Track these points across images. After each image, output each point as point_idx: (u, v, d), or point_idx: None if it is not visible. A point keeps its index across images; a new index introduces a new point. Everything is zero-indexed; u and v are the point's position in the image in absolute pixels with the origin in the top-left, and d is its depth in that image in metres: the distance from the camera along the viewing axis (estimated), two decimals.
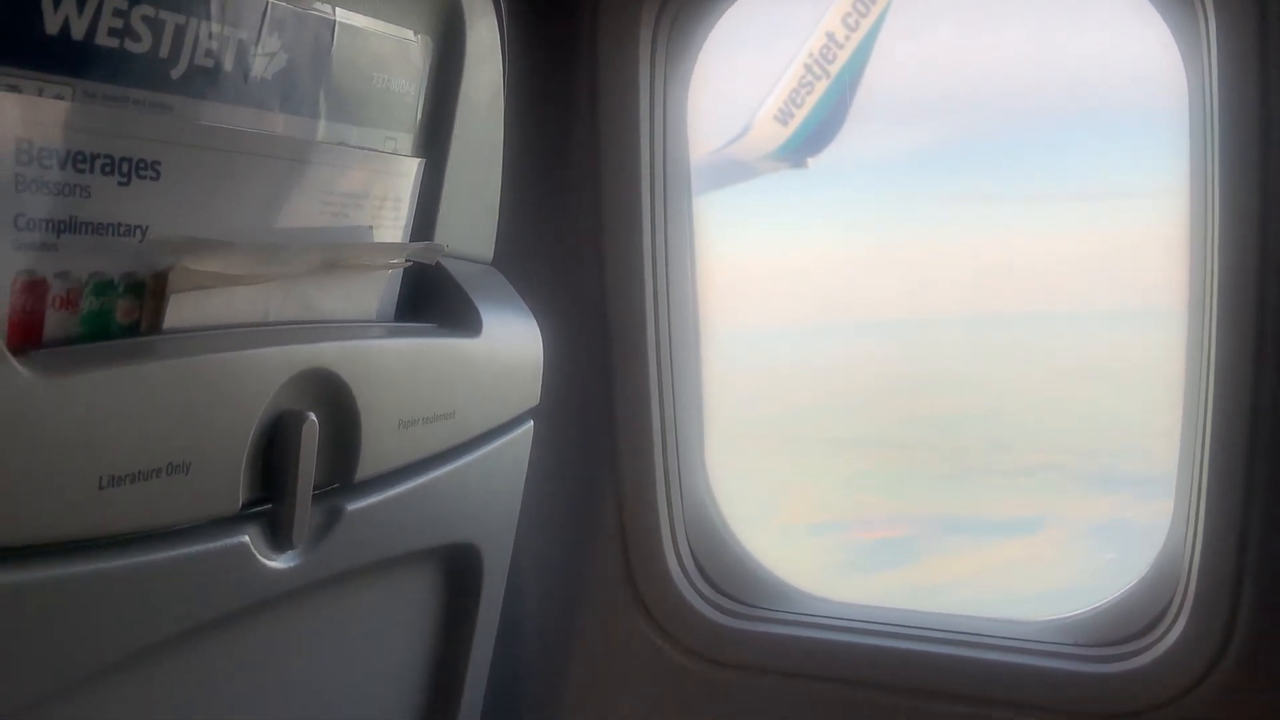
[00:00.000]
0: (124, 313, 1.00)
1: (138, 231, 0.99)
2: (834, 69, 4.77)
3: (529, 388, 1.52)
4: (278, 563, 1.10)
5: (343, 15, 1.20)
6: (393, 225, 1.31)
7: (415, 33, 1.33)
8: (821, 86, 4.95)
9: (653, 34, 1.70)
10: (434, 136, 1.40)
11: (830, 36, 4.65)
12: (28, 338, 0.92)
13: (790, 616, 1.84)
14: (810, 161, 5.25)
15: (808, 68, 4.76)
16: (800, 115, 5.05)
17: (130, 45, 0.98)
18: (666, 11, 1.70)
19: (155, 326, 1.01)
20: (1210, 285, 1.51)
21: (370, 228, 1.27)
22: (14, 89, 0.89)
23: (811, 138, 5.08)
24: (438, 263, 1.39)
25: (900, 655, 1.73)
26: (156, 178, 0.99)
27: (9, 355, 0.83)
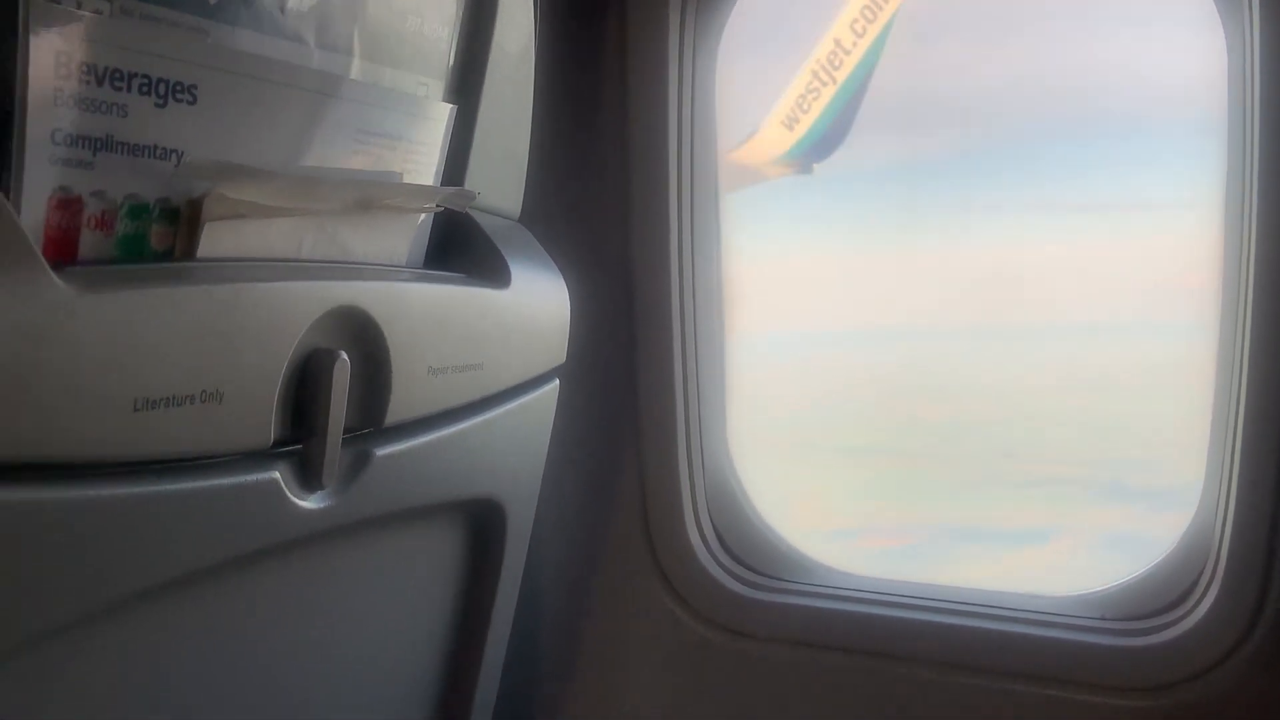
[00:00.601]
0: (159, 239, 0.98)
1: (174, 155, 0.97)
2: (840, 75, 4.77)
3: (556, 345, 1.50)
4: (307, 502, 1.08)
5: None
6: (424, 171, 1.29)
7: None
8: (828, 93, 4.94)
9: (682, 3, 1.68)
10: (465, 85, 1.38)
11: (837, 43, 4.64)
12: (63, 254, 0.90)
13: (811, 588, 1.82)
14: (816, 167, 5.24)
15: (814, 74, 4.75)
16: (806, 121, 5.04)
17: None
18: None
19: (189, 254, 0.99)
20: (1247, 267, 1.50)
21: (400, 173, 1.25)
22: (54, 1, 0.87)
23: (818, 143, 5.06)
24: (467, 214, 1.37)
25: (922, 627, 1.70)
26: (193, 102, 0.98)
27: (47, 267, 0.81)
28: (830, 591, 1.80)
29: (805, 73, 4.70)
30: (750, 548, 1.87)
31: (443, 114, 1.30)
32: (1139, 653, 1.60)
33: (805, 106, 4.99)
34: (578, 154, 1.74)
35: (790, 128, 5.07)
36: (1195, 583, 1.63)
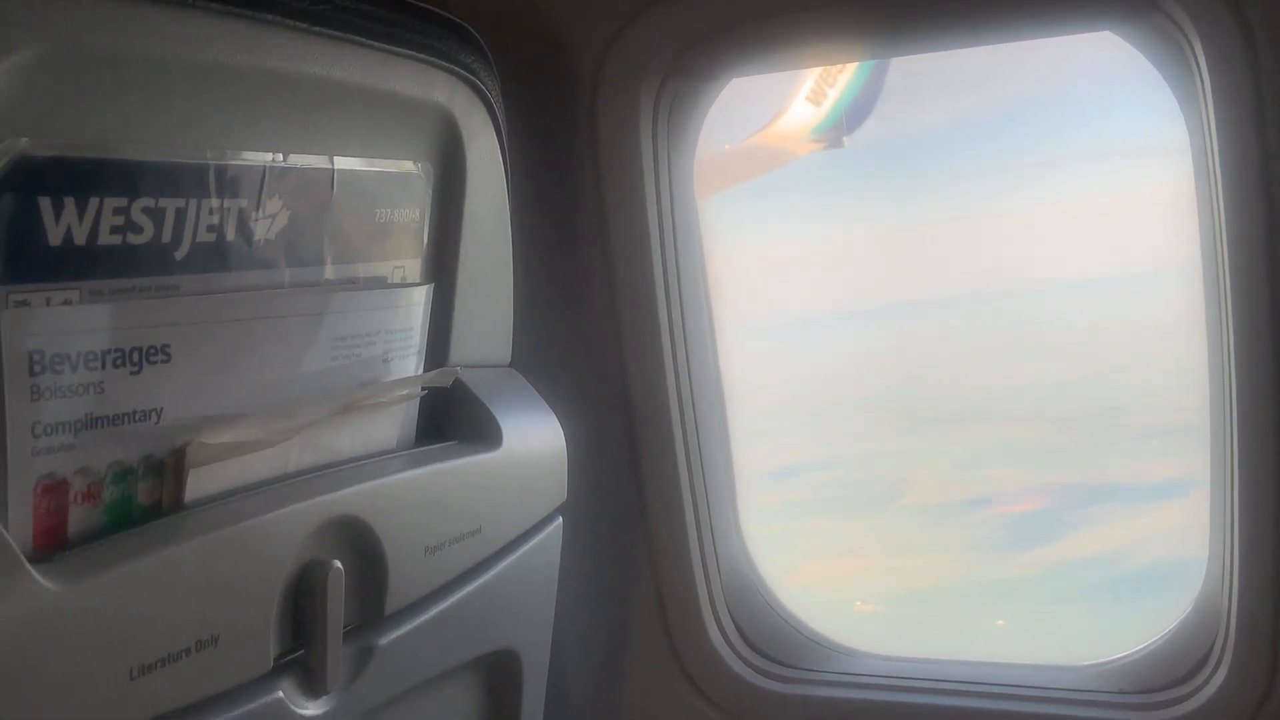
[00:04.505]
0: (145, 494, 1.03)
1: (153, 415, 1.03)
2: None
3: (555, 487, 1.55)
4: (313, 710, 1.13)
5: (341, 163, 1.24)
6: (406, 353, 1.34)
7: (415, 162, 1.36)
8: (853, 64, 4.92)
9: (653, 120, 1.72)
10: (443, 257, 1.43)
11: None
12: (52, 538, 0.95)
13: (834, 677, 1.85)
14: (846, 140, 5.23)
15: None
16: (834, 95, 5.02)
17: (133, 239, 1.01)
18: (664, 97, 1.72)
19: (177, 502, 1.05)
20: (1227, 344, 1.51)
21: (384, 360, 1.30)
22: (23, 304, 0.93)
23: (847, 116, 5.04)
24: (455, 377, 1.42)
25: (945, 713, 1.73)
26: (168, 360, 1.03)
27: (31, 569, 0.87)
28: (853, 680, 1.83)
29: None
30: (772, 638, 1.91)
31: (419, 297, 1.35)
32: None
33: (831, 80, 4.98)
34: (565, 284, 1.78)
35: (817, 104, 5.07)
36: (1209, 652, 1.65)
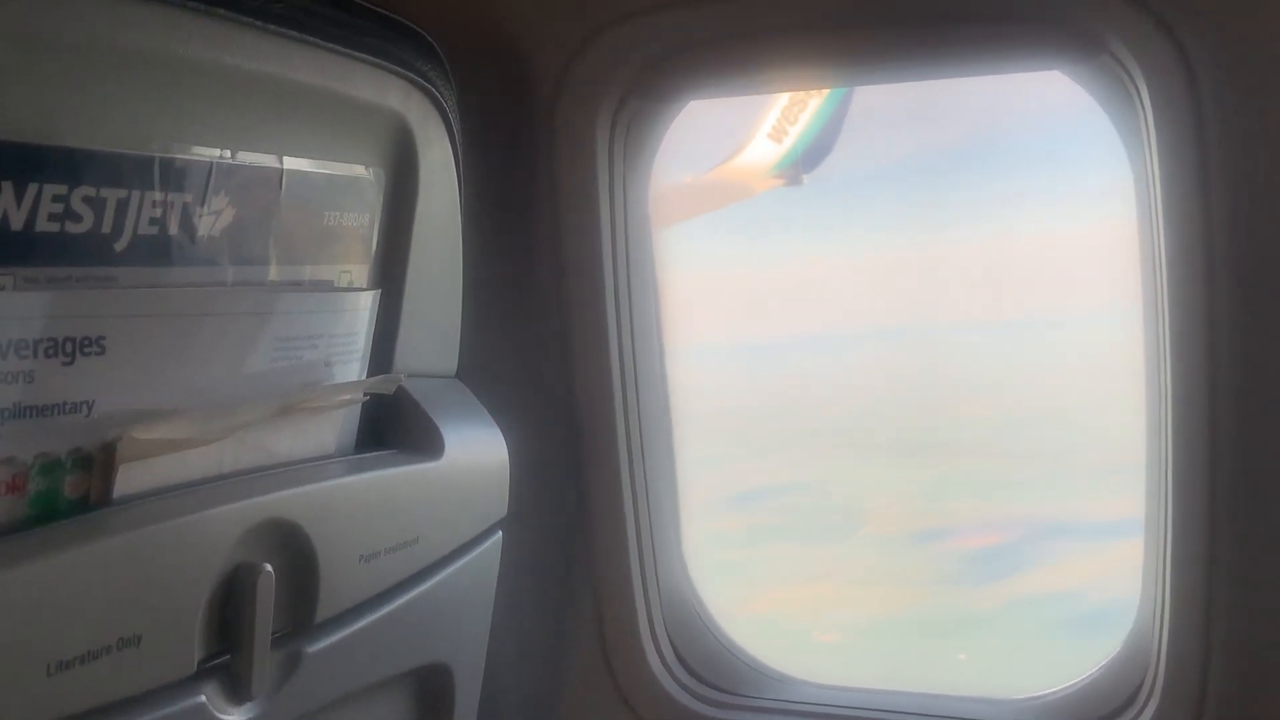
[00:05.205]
0: (72, 488, 1.01)
1: (84, 407, 1.01)
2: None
3: (496, 501, 1.53)
4: (237, 716, 1.11)
5: (290, 163, 1.23)
6: (349, 359, 1.33)
7: (367, 167, 1.36)
8: (815, 104, 4.98)
9: (609, 138, 1.72)
10: (391, 263, 1.42)
11: None
12: None
13: (771, 704, 1.85)
14: (805, 178, 5.27)
15: None
16: (795, 133, 5.07)
17: (71, 227, 0.99)
18: (622, 116, 1.73)
19: (105, 498, 1.03)
20: (1164, 387, 1.53)
21: (326, 364, 1.29)
22: None
23: (807, 154, 5.09)
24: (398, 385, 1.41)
25: None
26: (101, 352, 1.01)
27: None
28: (789, 707, 1.83)
29: None
30: (712, 664, 1.90)
31: (365, 302, 1.34)
32: None
33: (792, 118, 5.03)
34: (516, 298, 1.78)
35: (779, 140, 5.11)
36: (1139, 688, 1.66)
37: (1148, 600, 1.65)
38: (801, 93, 4.88)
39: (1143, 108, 1.49)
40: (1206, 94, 1.42)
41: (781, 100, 4.95)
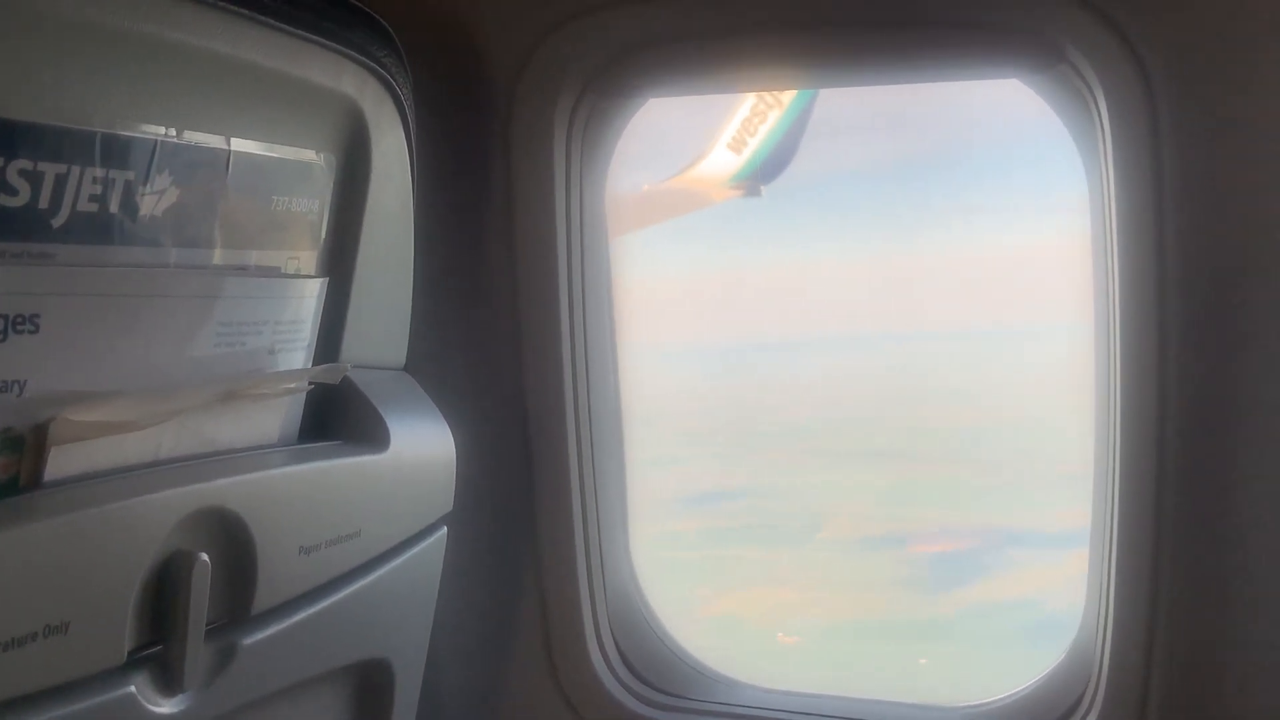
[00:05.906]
0: (2, 469, 0.98)
1: (15, 386, 0.98)
2: (786, 98, 4.82)
3: (442, 495, 1.51)
4: (167, 708, 1.09)
5: (237, 144, 1.20)
6: (295, 347, 1.30)
7: (318, 152, 1.33)
8: (774, 115, 4.99)
9: (567, 133, 1.71)
10: (340, 252, 1.39)
11: None
12: None
13: (714, 707, 1.84)
14: (764, 189, 5.29)
15: (760, 97, 4.81)
16: (754, 145, 5.09)
17: (6, 201, 0.97)
18: (580, 111, 1.71)
19: (35, 480, 1.00)
20: (1114, 398, 1.54)
21: (271, 351, 1.26)
22: None
23: (765, 165, 5.11)
24: (344, 376, 1.38)
25: None
26: (35, 330, 0.98)
27: None
28: (732, 711, 1.82)
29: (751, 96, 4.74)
30: (655, 665, 1.89)
31: (312, 290, 1.31)
32: None
33: (752, 129, 5.05)
34: (467, 292, 1.75)
35: (738, 151, 5.13)
36: (1080, 698, 1.66)
37: (1091, 609, 1.65)
38: (761, 104, 4.91)
39: (1100, 117, 1.49)
40: (1163, 105, 1.42)
41: (742, 112, 4.97)
